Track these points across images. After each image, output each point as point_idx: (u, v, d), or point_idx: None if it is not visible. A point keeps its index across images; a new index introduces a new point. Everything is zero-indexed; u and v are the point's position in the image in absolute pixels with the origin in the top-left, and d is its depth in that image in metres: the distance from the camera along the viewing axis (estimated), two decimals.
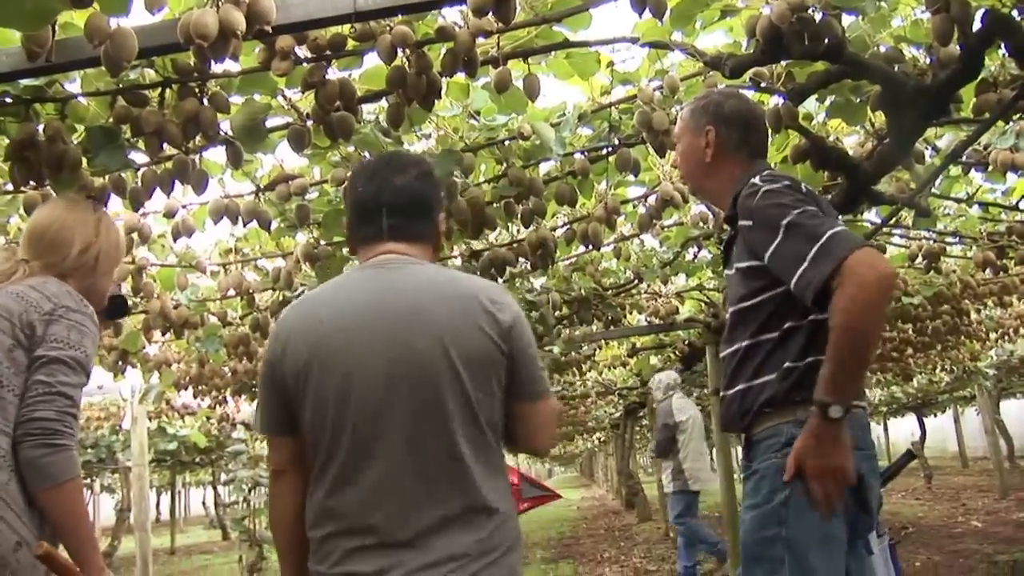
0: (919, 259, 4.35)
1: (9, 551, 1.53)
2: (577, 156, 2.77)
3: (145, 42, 1.68)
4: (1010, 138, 2.94)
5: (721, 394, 1.85)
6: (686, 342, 7.37)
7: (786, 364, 1.65)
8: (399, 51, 1.90)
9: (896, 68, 2.26)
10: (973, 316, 6.47)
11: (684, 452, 6.42)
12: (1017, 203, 3.87)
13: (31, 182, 2.07)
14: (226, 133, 2.13)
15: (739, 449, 6.00)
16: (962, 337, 6.93)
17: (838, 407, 1.54)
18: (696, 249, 4.30)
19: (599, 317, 5.06)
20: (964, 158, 3.10)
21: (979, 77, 2.26)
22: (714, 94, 1.96)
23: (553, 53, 2.23)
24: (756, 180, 1.74)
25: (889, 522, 8.41)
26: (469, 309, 1.47)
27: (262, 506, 7.09)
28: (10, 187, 2.35)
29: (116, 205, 2.61)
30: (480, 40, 1.97)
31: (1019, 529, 7.68)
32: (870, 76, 2.26)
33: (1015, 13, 2.04)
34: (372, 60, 2.03)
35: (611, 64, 2.43)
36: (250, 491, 7.19)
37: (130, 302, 3.65)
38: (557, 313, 4.66)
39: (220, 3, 1.62)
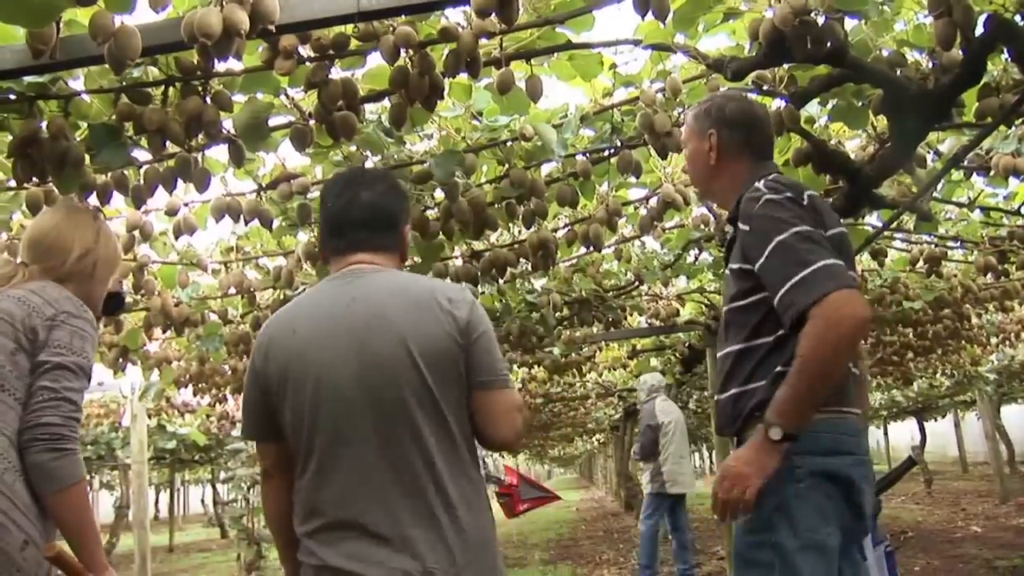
0: (920, 263, 4.35)
1: (16, 550, 1.57)
2: (579, 158, 2.77)
3: (149, 40, 1.68)
4: (1012, 143, 2.94)
5: (716, 397, 1.87)
6: (686, 344, 7.38)
7: (777, 369, 1.66)
8: (402, 51, 1.90)
9: (898, 72, 2.26)
10: (974, 320, 6.46)
11: (664, 455, 6.38)
12: (1019, 208, 3.87)
13: (34, 179, 2.08)
14: (228, 132, 2.13)
15: None
16: (963, 341, 6.92)
17: (778, 429, 1.58)
18: (697, 251, 4.30)
19: (600, 319, 5.06)
20: (966, 162, 3.10)
21: (981, 82, 2.26)
22: (716, 97, 1.97)
23: (556, 54, 2.23)
24: (760, 185, 1.74)
25: (889, 527, 8.41)
26: (427, 309, 1.55)
27: (260, 504, 7.09)
28: (13, 184, 2.36)
29: (118, 202, 2.62)
30: (483, 41, 1.97)
31: (1019, 535, 7.67)
32: (872, 80, 2.26)
33: (1018, 18, 2.04)
34: (375, 60, 2.03)
35: (613, 66, 2.43)
36: (249, 489, 7.21)
37: (130, 299, 3.66)
38: (558, 314, 4.67)
39: (224, 2, 1.62)
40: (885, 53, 2.29)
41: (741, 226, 1.75)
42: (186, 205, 2.86)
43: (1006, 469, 12.10)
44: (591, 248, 3.45)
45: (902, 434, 21.04)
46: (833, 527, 1.64)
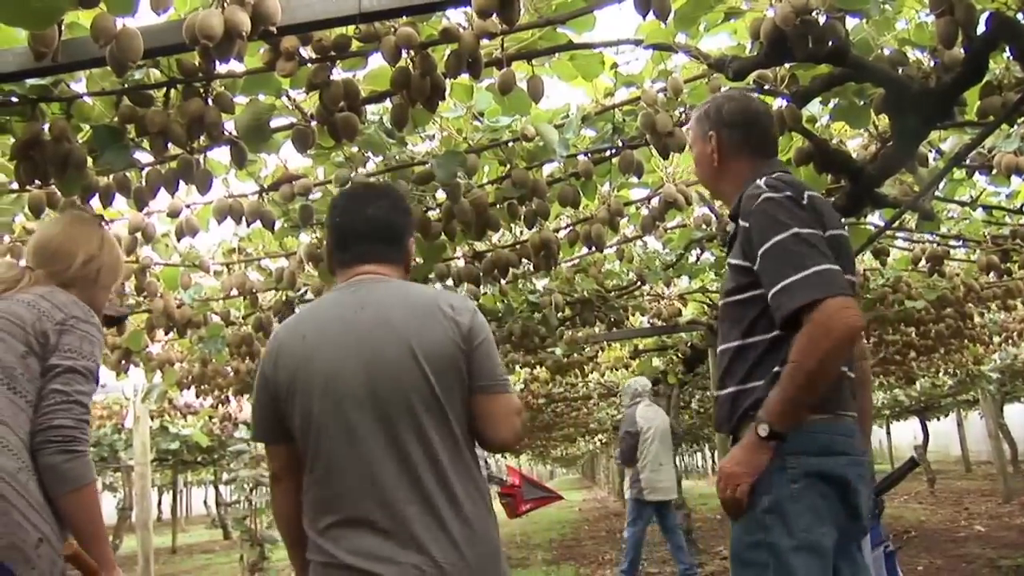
0: (923, 262, 4.35)
1: (31, 547, 1.61)
2: (580, 158, 2.77)
3: (150, 42, 1.69)
4: (1014, 141, 2.93)
5: (715, 394, 1.87)
6: (689, 344, 7.38)
7: (775, 370, 1.68)
8: (403, 52, 1.90)
9: (900, 71, 2.26)
10: (976, 320, 6.46)
11: (643, 461, 6.31)
12: (1021, 207, 3.87)
13: (36, 181, 2.09)
14: (230, 133, 2.14)
15: None
16: (965, 341, 6.91)
17: (766, 427, 1.62)
18: (699, 251, 4.30)
19: (602, 319, 5.06)
20: (968, 161, 3.09)
21: (983, 80, 2.26)
22: (716, 98, 1.99)
23: (557, 55, 2.23)
24: (761, 183, 1.75)
25: (892, 527, 8.41)
26: (431, 316, 1.62)
27: (263, 505, 7.11)
28: (15, 186, 2.36)
29: (120, 204, 2.62)
30: (484, 42, 1.97)
31: (1022, 534, 7.66)
32: (874, 79, 2.26)
33: (1020, 16, 2.03)
34: (376, 61, 2.03)
35: (615, 66, 2.43)
36: (251, 491, 7.21)
37: (132, 301, 3.67)
38: (560, 314, 4.67)
39: (225, 4, 1.63)
40: (887, 52, 2.29)
41: (741, 223, 1.76)
42: (188, 207, 2.86)
43: (1009, 468, 12.07)
44: (593, 248, 3.45)
45: (905, 433, 21.01)
46: (828, 527, 1.65)
